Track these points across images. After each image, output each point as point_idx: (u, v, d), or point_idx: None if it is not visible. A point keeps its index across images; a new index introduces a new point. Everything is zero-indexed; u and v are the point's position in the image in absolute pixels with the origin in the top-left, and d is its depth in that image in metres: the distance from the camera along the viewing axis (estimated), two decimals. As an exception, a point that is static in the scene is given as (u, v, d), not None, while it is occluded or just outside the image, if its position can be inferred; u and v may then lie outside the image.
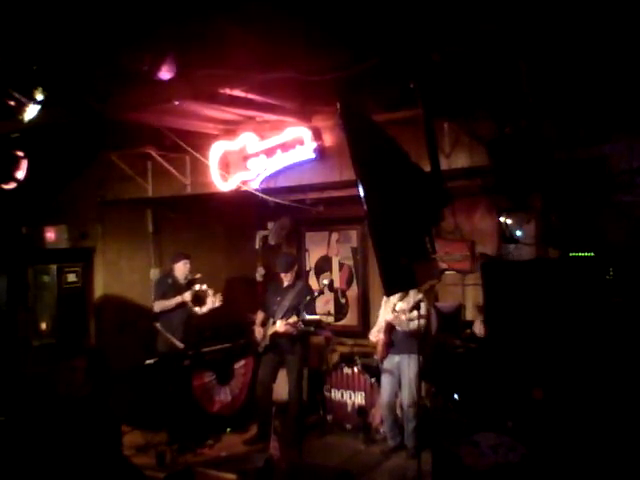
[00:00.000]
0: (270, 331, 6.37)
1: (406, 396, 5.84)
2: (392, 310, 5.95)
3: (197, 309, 6.51)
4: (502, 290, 3.98)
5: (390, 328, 5.93)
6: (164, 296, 6.47)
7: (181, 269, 6.59)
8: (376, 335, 6.09)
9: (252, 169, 5.85)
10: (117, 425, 3.80)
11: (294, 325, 6.17)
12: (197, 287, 6.47)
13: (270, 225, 8.20)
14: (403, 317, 5.78)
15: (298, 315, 6.05)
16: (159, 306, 6.47)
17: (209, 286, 6.57)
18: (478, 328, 6.01)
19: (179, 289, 6.49)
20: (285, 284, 6.51)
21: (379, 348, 6.06)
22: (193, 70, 3.88)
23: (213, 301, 6.49)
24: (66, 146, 5.62)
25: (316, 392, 6.85)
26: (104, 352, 6.00)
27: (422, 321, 5.42)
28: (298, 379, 6.35)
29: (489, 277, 4.17)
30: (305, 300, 6.18)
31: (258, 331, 6.52)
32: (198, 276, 6.52)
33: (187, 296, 6.42)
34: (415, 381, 5.68)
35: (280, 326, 6.26)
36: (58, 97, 3.76)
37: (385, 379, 6.04)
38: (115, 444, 3.66)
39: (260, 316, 6.62)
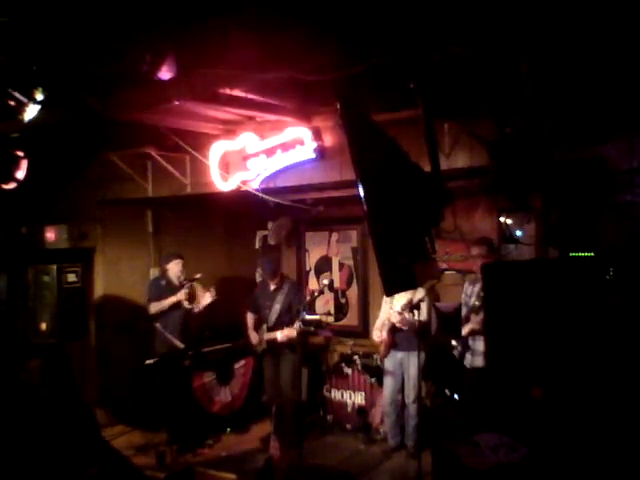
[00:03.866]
0: (266, 337, 6.36)
1: (410, 392, 5.86)
2: (389, 308, 5.95)
3: (193, 307, 6.49)
4: (502, 290, 3.97)
5: (394, 329, 5.93)
6: (159, 298, 6.42)
7: (174, 269, 6.54)
8: (379, 335, 6.09)
9: (252, 169, 5.86)
10: (91, 422, 3.70)
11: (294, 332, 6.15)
12: (187, 286, 6.44)
13: (270, 225, 8.20)
14: (407, 315, 5.78)
15: (298, 315, 6.04)
16: (154, 308, 6.41)
17: (204, 284, 6.56)
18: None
19: (173, 290, 6.45)
20: (272, 287, 6.49)
21: (381, 348, 6.07)
22: (193, 70, 3.88)
23: (208, 296, 6.45)
24: (66, 146, 5.61)
25: (316, 392, 6.85)
26: (62, 349, 5.87)
27: (423, 318, 5.44)
28: (293, 376, 6.28)
29: (489, 277, 4.16)
30: (295, 298, 6.16)
31: (253, 336, 6.52)
32: (198, 276, 6.50)
33: (181, 295, 6.39)
34: (418, 378, 5.69)
35: (282, 337, 6.23)
36: (58, 97, 3.76)
37: (388, 377, 6.05)
38: (93, 441, 3.60)
39: (251, 320, 6.60)
